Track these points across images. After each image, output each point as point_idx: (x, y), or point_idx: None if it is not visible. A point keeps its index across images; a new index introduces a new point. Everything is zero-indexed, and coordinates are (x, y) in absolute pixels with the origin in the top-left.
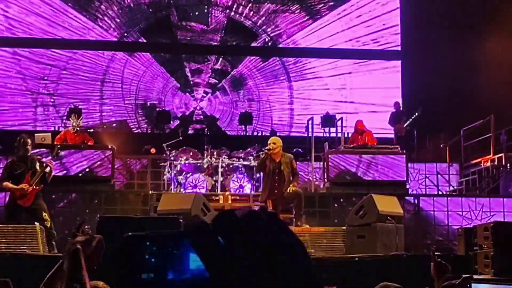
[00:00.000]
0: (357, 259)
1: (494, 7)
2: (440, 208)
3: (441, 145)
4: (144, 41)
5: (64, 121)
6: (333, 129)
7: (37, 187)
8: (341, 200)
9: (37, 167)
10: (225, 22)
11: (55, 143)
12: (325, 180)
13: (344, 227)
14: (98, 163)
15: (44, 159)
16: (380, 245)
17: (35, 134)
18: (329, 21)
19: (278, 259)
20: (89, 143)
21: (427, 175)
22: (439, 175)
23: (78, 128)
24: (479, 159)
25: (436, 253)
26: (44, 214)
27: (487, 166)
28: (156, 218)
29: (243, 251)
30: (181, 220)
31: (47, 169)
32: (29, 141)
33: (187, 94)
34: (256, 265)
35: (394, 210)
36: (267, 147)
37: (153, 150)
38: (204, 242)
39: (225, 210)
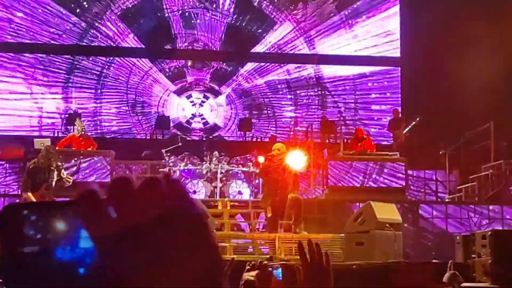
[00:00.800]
0: (355, 266)
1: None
2: (439, 215)
3: (440, 152)
4: (142, 46)
5: (65, 126)
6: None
7: (50, 199)
8: (340, 206)
9: (54, 177)
10: (225, 28)
11: (57, 148)
12: (324, 186)
13: (343, 234)
14: (98, 168)
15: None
16: (379, 252)
17: (34, 140)
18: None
19: (178, 230)
20: (94, 149)
21: (427, 182)
22: (438, 182)
23: (83, 132)
24: (479, 166)
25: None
26: None
27: (487, 173)
28: None
29: (136, 224)
30: None
31: (66, 184)
32: (53, 152)
33: (185, 98)
34: (151, 239)
35: (393, 217)
36: (271, 154)
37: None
38: (92, 213)
39: (120, 177)
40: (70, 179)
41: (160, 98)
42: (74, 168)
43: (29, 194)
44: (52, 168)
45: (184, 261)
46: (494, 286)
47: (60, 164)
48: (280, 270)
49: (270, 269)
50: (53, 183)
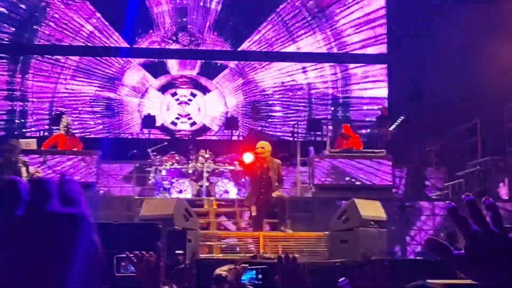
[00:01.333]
0: (338, 264)
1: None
2: (426, 212)
3: (427, 149)
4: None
5: (50, 126)
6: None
7: None
8: (326, 205)
9: (23, 173)
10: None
11: (42, 148)
12: (311, 185)
13: (328, 232)
14: (83, 168)
15: (32, 167)
16: (363, 250)
17: (20, 140)
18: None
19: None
20: (79, 148)
21: (413, 179)
22: (425, 179)
23: (68, 128)
24: (466, 163)
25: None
26: None
27: (474, 170)
28: (135, 224)
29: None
30: (160, 226)
31: (35, 176)
32: (16, 146)
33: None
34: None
35: (377, 215)
36: (255, 151)
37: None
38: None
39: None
40: (40, 172)
41: (142, 95)
42: (42, 159)
43: None
44: (18, 164)
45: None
46: (475, 283)
47: (25, 160)
48: (253, 272)
49: (246, 265)
50: (23, 179)
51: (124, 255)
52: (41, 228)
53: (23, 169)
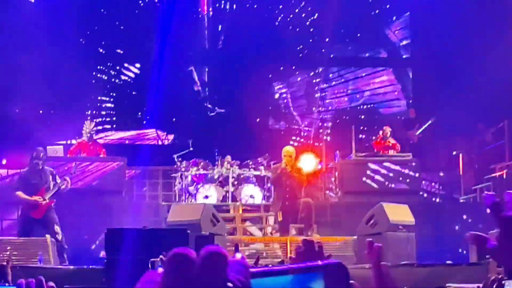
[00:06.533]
0: (368, 267)
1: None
2: (454, 216)
3: (454, 153)
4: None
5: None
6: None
7: (51, 201)
8: (354, 209)
9: (51, 180)
10: None
11: (69, 155)
12: (337, 189)
13: (355, 237)
14: (110, 174)
15: (63, 176)
16: (391, 254)
17: (47, 147)
18: None
19: None
20: (102, 155)
21: (441, 183)
22: (453, 184)
23: (92, 134)
24: (493, 166)
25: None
26: (56, 227)
27: (502, 173)
28: (164, 229)
29: None
30: (189, 232)
31: (63, 186)
32: (42, 154)
33: None
34: None
35: (405, 219)
36: (284, 162)
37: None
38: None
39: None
40: (68, 181)
41: None
42: (72, 170)
43: (20, 192)
44: (45, 172)
45: None
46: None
47: (51, 168)
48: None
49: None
50: (51, 186)
51: (158, 259)
52: None
53: (50, 177)
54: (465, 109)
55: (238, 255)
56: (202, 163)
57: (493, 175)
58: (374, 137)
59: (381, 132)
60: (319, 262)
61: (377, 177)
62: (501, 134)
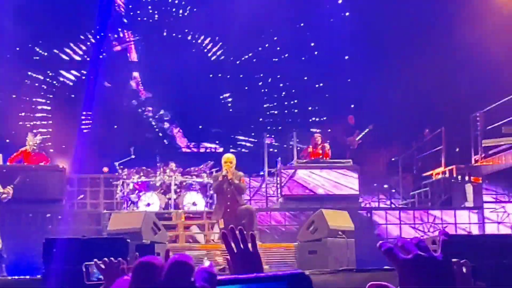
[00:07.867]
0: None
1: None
2: (392, 221)
3: (393, 159)
4: None
5: None
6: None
7: None
8: (294, 215)
9: None
10: None
11: (8, 163)
12: (279, 195)
13: (296, 243)
14: (50, 183)
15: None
16: (332, 260)
17: None
18: None
19: None
20: (46, 164)
21: (380, 189)
22: (391, 188)
23: (34, 147)
24: (431, 172)
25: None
26: None
27: (439, 179)
28: (103, 238)
29: None
30: (129, 240)
31: (3, 196)
32: None
33: None
34: None
35: (345, 225)
36: (225, 170)
37: (105, 169)
38: None
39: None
40: (10, 190)
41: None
42: (16, 181)
43: None
44: None
45: None
46: None
47: None
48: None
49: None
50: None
51: (93, 263)
52: None
53: None
54: (404, 115)
55: (206, 263)
56: (144, 170)
57: (430, 180)
58: (305, 146)
59: (312, 140)
60: (286, 271)
61: (318, 183)
62: (438, 140)
